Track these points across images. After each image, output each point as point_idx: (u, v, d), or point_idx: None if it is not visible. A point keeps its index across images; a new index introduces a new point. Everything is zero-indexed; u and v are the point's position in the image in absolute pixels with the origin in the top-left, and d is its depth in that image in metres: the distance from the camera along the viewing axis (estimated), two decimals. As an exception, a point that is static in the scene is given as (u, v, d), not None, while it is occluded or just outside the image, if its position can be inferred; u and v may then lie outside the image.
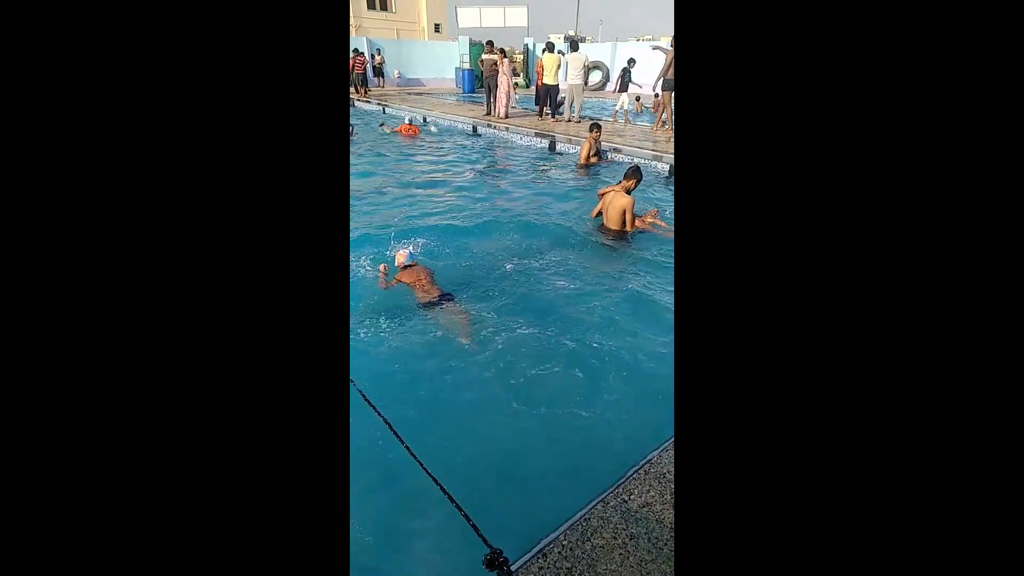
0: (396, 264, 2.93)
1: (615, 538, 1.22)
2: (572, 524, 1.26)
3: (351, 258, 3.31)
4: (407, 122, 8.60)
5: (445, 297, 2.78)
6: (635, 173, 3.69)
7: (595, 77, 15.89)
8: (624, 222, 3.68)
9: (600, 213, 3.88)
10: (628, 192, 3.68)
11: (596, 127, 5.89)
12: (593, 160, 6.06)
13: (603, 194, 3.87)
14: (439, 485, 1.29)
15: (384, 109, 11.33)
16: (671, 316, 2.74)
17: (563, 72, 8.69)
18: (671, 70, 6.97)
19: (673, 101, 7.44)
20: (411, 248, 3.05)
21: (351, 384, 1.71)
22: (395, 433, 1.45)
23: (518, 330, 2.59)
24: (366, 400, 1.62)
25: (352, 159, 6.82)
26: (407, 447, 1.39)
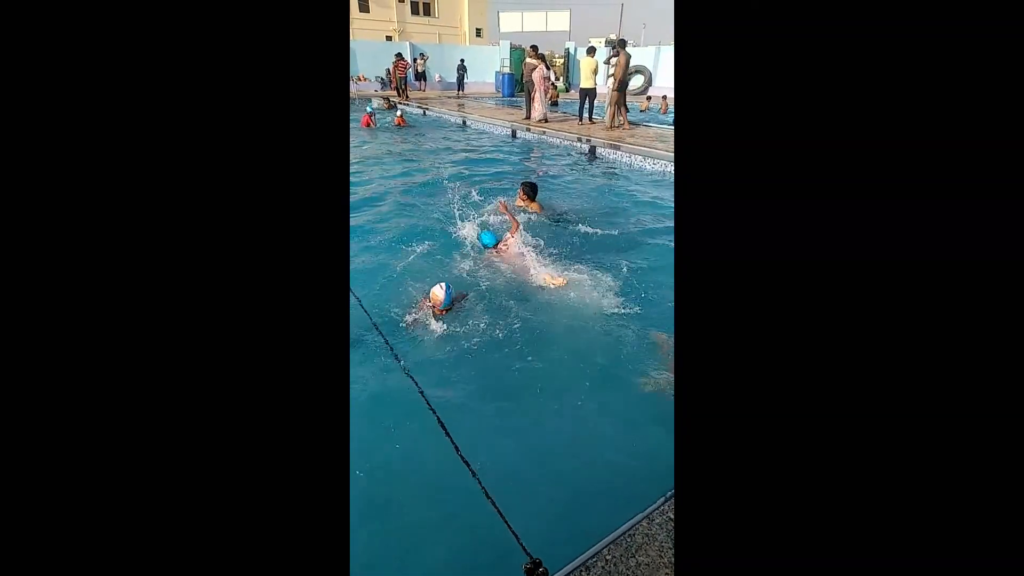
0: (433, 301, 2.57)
1: (660, 556, 1.18)
2: (615, 539, 1.23)
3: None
4: (399, 115, 10.11)
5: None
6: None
7: (637, 81, 15.68)
8: None
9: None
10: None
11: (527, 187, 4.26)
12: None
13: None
14: (482, 487, 1.29)
15: (424, 112, 11.57)
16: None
17: (603, 76, 8.65)
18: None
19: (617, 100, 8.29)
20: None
21: (410, 378, 1.73)
22: (444, 429, 1.46)
23: (569, 340, 2.57)
24: (422, 395, 1.64)
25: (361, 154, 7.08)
26: (454, 444, 1.40)
